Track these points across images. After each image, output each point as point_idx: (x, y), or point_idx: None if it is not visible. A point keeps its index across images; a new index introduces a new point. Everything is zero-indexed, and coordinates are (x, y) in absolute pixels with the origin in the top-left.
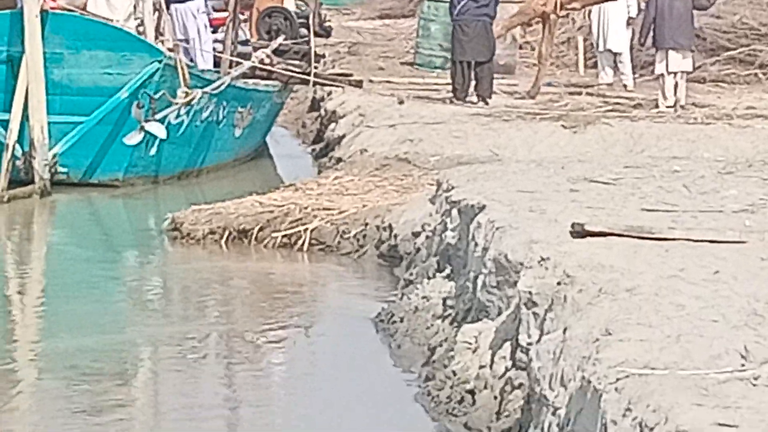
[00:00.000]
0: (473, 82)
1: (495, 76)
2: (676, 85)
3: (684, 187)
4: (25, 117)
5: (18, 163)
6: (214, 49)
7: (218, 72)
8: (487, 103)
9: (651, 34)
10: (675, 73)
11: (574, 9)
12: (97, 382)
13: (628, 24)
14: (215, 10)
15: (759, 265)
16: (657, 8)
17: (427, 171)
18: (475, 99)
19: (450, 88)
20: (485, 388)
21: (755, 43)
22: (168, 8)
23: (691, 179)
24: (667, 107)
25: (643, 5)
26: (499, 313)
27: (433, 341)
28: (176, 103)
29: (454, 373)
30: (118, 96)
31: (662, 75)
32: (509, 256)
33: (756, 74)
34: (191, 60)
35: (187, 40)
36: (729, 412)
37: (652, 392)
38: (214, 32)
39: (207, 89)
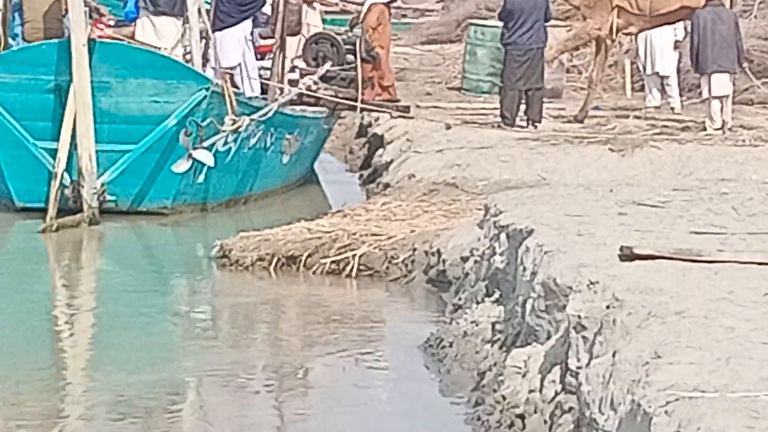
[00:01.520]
0: (523, 107)
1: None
2: (722, 108)
3: (732, 209)
4: (73, 146)
5: (66, 191)
6: (260, 75)
7: (266, 99)
8: (536, 127)
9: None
10: (721, 97)
11: (630, 33)
12: (147, 415)
13: (675, 47)
14: (262, 38)
15: None
16: (700, 33)
17: (475, 196)
18: (524, 123)
19: (497, 112)
20: (535, 412)
21: None
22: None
23: (740, 201)
24: (715, 130)
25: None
26: (549, 337)
27: (482, 366)
28: (224, 131)
29: (504, 398)
30: (165, 124)
31: (708, 98)
32: (558, 280)
33: None
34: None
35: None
36: None
37: (703, 415)
38: (261, 59)
39: (254, 116)
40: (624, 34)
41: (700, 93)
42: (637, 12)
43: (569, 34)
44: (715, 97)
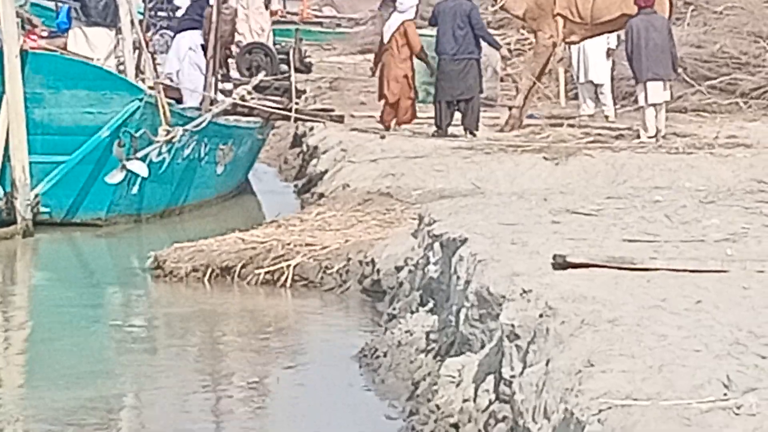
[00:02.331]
0: (458, 115)
1: None
2: (656, 116)
3: (666, 217)
4: (6, 157)
5: (0, 203)
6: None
7: (199, 109)
8: (474, 136)
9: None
10: (656, 104)
11: (572, 42)
12: (81, 429)
13: (608, 55)
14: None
15: (741, 294)
16: (633, 41)
17: (410, 205)
18: (462, 132)
19: (432, 121)
20: (469, 421)
21: (736, 72)
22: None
23: (673, 209)
24: (649, 138)
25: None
26: (482, 347)
27: (416, 375)
28: (157, 141)
29: (438, 407)
30: (99, 135)
31: (643, 106)
32: (491, 288)
33: (737, 103)
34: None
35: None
36: None
37: (635, 423)
38: None
39: (188, 127)
40: (566, 43)
41: (635, 101)
42: (579, 20)
43: (528, 56)
44: (650, 105)
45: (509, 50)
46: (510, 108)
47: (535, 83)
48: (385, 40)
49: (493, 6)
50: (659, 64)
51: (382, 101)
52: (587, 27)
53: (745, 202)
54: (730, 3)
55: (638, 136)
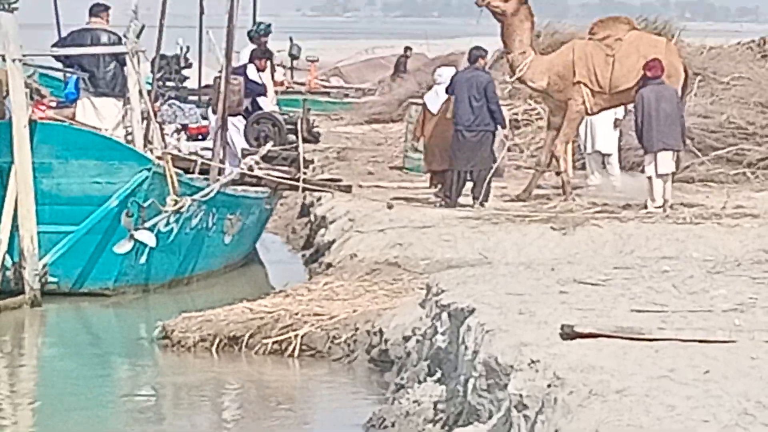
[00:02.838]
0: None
1: None
2: (664, 186)
3: (673, 287)
4: (14, 227)
5: (8, 273)
6: (202, 156)
7: (207, 179)
8: (483, 206)
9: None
10: (665, 174)
11: (591, 114)
12: None
13: (615, 125)
14: (203, 118)
15: (749, 364)
16: (644, 111)
17: (417, 275)
18: (471, 201)
19: (428, 190)
20: None
21: (743, 142)
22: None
23: (681, 279)
24: (656, 208)
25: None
26: (490, 417)
27: None
28: (165, 211)
29: None
30: (107, 205)
31: (651, 177)
32: (499, 359)
33: (744, 173)
34: None
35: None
36: None
37: None
38: (202, 139)
39: (196, 197)
40: (589, 113)
41: (642, 170)
42: (598, 89)
43: (564, 123)
44: (659, 176)
45: (517, 120)
46: (557, 173)
47: (564, 153)
48: (433, 110)
49: (510, 78)
50: (670, 135)
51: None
52: (605, 97)
53: (753, 272)
54: (737, 74)
55: (645, 206)
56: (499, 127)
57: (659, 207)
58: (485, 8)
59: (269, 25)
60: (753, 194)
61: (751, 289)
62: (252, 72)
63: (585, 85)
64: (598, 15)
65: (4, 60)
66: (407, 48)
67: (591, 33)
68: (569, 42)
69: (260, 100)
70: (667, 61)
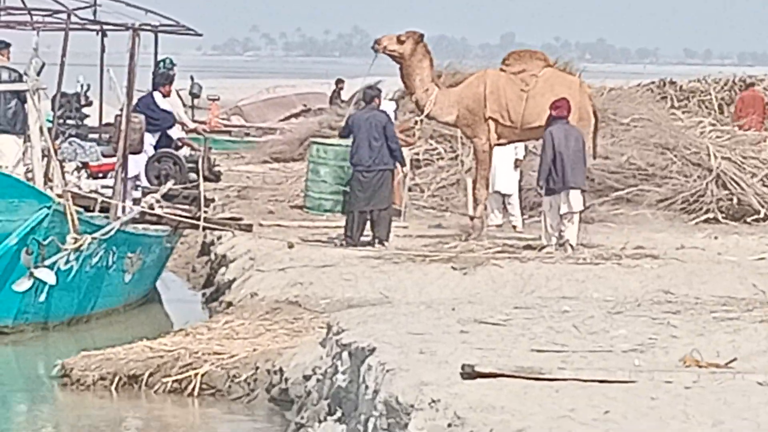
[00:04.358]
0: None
1: None
2: (566, 225)
3: (574, 327)
4: None
5: None
6: (102, 194)
7: (108, 217)
8: (384, 246)
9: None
10: (566, 214)
11: (500, 144)
12: None
13: (516, 165)
14: (104, 156)
15: (648, 404)
16: (554, 149)
17: (318, 314)
18: (372, 240)
19: (341, 231)
20: None
21: (643, 183)
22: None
23: (581, 319)
24: (550, 245)
25: (531, 147)
26: None
27: None
28: (66, 249)
29: None
30: (7, 242)
31: (549, 214)
32: (400, 398)
33: (644, 214)
34: None
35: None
36: None
37: None
38: (103, 177)
39: (96, 235)
40: (495, 144)
41: (541, 211)
42: (509, 124)
43: (477, 167)
44: (566, 214)
45: (418, 160)
46: (471, 218)
47: (485, 198)
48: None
49: (418, 116)
50: (578, 174)
51: None
52: (517, 132)
53: (653, 312)
54: (637, 115)
55: (566, 249)
56: (398, 165)
57: (559, 245)
58: (382, 53)
59: (172, 60)
60: (653, 235)
61: (651, 329)
62: (160, 99)
63: (496, 120)
64: (499, 56)
65: None
66: (339, 80)
67: (505, 64)
68: (479, 72)
69: (171, 132)
70: (580, 103)
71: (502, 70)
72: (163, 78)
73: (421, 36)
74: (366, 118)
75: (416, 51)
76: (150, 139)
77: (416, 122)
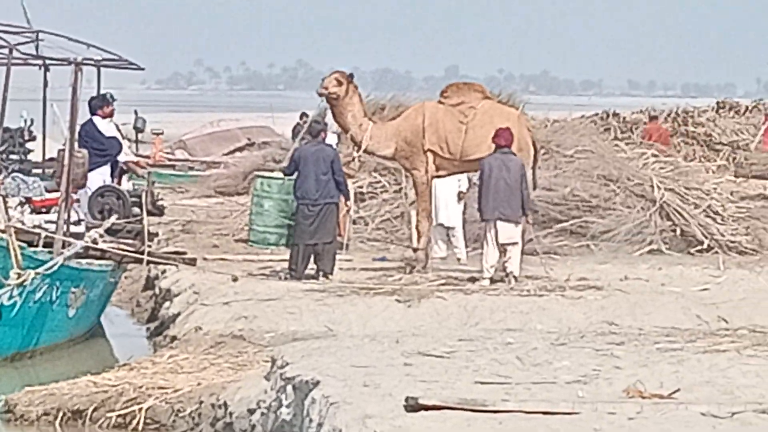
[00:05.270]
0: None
1: None
2: (501, 256)
3: (517, 359)
4: None
5: None
6: (46, 230)
7: (51, 252)
8: (329, 279)
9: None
10: (505, 245)
11: (439, 176)
12: None
13: (459, 198)
14: (47, 191)
15: None
16: (483, 179)
17: (262, 348)
18: (316, 274)
19: (285, 264)
20: None
21: (586, 214)
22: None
23: (525, 351)
24: (484, 278)
25: (474, 180)
26: None
27: None
28: (9, 285)
29: None
30: None
31: (485, 245)
32: (344, 431)
33: (588, 245)
34: None
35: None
36: None
37: None
38: (47, 212)
39: (40, 270)
40: (434, 176)
41: (482, 243)
42: (449, 156)
43: (416, 199)
44: (503, 245)
45: (362, 193)
46: (414, 250)
47: (428, 230)
48: None
49: (357, 152)
50: (507, 205)
51: None
52: (456, 163)
53: (596, 344)
54: (581, 146)
55: (476, 280)
56: (343, 198)
57: (489, 278)
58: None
59: (113, 95)
60: (596, 266)
61: (595, 360)
62: (101, 124)
63: (435, 153)
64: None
65: None
66: (303, 114)
67: (443, 96)
68: (417, 105)
69: (119, 157)
70: (519, 134)
71: (440, 102)
72: (99, 101)
73: (351, 75)
74: (313, 152)
75: (348, 90)
76: (104, 174)
77: (353, 159)
